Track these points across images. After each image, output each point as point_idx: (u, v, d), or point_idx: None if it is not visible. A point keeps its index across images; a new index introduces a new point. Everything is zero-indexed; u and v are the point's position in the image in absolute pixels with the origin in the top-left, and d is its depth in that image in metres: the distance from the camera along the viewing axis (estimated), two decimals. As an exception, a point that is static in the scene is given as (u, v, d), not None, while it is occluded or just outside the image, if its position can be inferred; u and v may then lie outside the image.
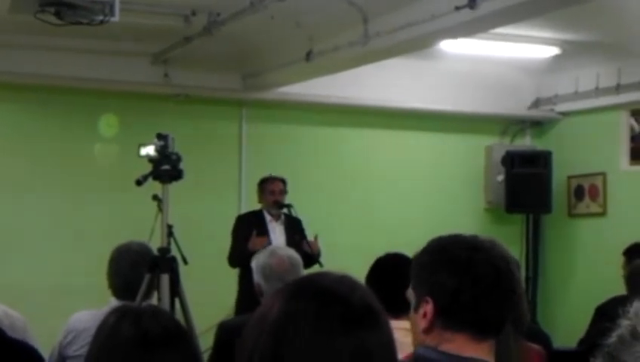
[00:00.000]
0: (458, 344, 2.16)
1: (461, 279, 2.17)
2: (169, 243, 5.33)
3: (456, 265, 2.19)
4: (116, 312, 2.32)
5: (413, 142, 9.65)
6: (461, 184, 9.74)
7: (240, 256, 7.39)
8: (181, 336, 2.32)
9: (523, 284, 2.11)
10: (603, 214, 9.40)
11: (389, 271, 3.79)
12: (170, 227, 5.36)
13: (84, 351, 3.67)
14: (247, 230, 7.56)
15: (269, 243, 7.25)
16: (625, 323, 1.30)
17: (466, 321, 2.17)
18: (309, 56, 7.67)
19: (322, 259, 7.53)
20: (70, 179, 8.42)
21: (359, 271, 3.81)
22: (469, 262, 2.18)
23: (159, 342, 2.24)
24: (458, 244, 2.23)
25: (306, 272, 5.86)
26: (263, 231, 7.60)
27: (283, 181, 7.81)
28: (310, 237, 7.61)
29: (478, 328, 2.18)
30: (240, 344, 1.54)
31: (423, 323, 2.20)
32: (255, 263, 4.25)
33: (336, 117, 9.33)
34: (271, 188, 7.75)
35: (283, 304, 1.51)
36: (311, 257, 7.30)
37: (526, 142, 10.09)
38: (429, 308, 2.18)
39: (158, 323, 2.28)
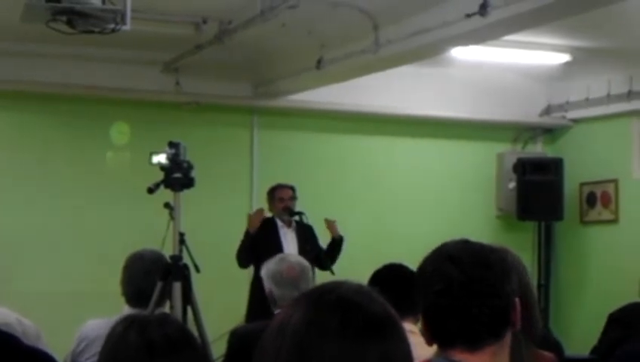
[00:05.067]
0: (459, 356, 2.12)
1: (422, 294, 2.16)
2: (181, 251, 5.33)
3: (418, 283, 2.19)
4: (124, 321, 2.33)
5: (424, 150, 9.64)
6: (472, 191, 9.72)
7: (246, 250, 7.50)
8: (187, 344, 2.32)
9: (535, 291, 2.06)
10: (615, 221, 9.36)
11: (392, 276, 3.86)
12: (182, 235, 5.36)
13: (96, 359, 3.69)
14: (259, 236, 7.60)
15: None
16: None
17: (435, 335, 2.14)
18: (320, 63, 7.67)
19: (334, 266, 7.55)
20: (82, 187, 8.44)
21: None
22: (425, 276, 2.16)
23: (164, 350, 2.25)
24: (427, 258, 2.18)
25: (317, 276, 5.90)
26: (275, 238, 7.64)
27: (292, 188, 7.86)
28: (323, 240, 7.66)
29: (444, 340, 2.13)
30: (258, 353, 1.52)
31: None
32: (265, 271, 4.27)
33: (347, 124, 9.33)
34: (280, 195, 7.80)
35: (305, 313, 1.49)
36: (323, 258, 7.44)
37: (537, 149, 10.07)
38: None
39: (163, 331, 2.28)
